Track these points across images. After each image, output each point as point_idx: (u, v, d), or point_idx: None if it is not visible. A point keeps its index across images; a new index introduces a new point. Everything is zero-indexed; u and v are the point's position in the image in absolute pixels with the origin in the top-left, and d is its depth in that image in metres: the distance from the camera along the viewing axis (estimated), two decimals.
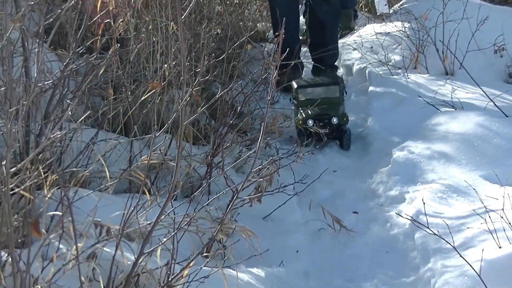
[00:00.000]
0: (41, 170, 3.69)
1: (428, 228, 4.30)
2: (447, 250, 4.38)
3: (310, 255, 4.80)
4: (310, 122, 5.72)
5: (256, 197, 4.72)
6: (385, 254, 4.78)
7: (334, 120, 5.75)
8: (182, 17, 2.98)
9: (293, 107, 6.16)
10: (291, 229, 5.02)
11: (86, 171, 4.29)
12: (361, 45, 7.71)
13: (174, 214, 3.81)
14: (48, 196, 3.84)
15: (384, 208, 5.32)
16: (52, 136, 3.06)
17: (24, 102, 3.30)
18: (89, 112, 4.38)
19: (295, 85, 6.16)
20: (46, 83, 4.29)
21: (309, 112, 5.79)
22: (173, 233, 3.53)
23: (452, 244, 4.14)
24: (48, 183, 3.85)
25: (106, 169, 4.17)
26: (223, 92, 4.84)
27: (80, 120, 4.30)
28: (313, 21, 7.31)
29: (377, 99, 6.69)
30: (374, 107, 6.54)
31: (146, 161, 3.98)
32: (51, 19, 4.30)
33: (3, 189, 3.04)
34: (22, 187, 3.39)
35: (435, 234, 4.29)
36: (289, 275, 4.49)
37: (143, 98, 4.42)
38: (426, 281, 4.35)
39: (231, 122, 5.05)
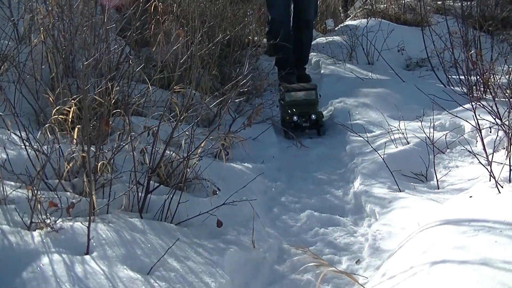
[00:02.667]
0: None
1: (353, 132, 4.52)
2: (365, 153, 4.61)
3: (281, 160, 5.02)
4: (295, 117, 5.49)
5: (248, 124, 4.88)
6: (328, 159, 5.00)
7: (313, 116, 5.53)
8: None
9: (280, 105, 5.88)
10: (269, 145, 5.22)
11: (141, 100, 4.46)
12: (316, 47, 7.85)
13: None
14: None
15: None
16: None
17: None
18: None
19: (282, 89, 5.84)
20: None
21: (295, 110, 5.53)
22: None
23: (371, 146, 4.35)
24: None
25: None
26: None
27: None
28: (297, 41, 6.77)
29: (326, 77, 6.94)
30: (324, 82, 6.76)
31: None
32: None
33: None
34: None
35: (359, 135, 4.51)
36: (267, 168, 4.68)
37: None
38: (352, 169, 4.57)
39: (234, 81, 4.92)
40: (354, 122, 5.28)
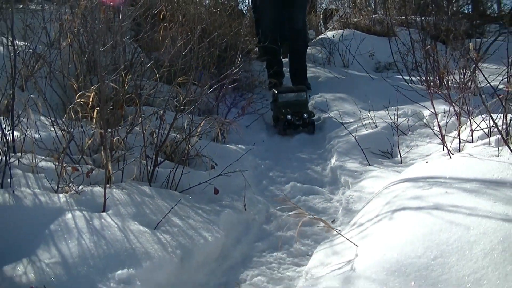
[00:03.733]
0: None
1: (331, 116, 4.53)
2: (340, 136, 4.64)
3: (269, 143, 5.04)
4: (289, 116, 5.18)
5: (242, 113, 4.90)
6: (309, 143, 5.01)
7: (305, 115, 5.23)
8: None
9: (273, 106, 5.56)
10: (260, 132, 5.26)
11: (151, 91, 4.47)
12: None
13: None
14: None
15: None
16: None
17: None
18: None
19: (275, 91, 5.51)
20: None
21: (288, 110, 5.22)
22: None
23: (345, 128, 4.37)
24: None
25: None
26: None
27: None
28: (290, 51, 6.57)
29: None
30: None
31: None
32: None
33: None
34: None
35: (335, 119, 4.53)
36: (257, 150, 4.72)
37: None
38: (329, 150, 4.59)
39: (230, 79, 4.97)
40: (332, 112, 5.28)
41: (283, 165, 4.45)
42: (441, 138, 3.42)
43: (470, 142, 3.35)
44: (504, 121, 3.03)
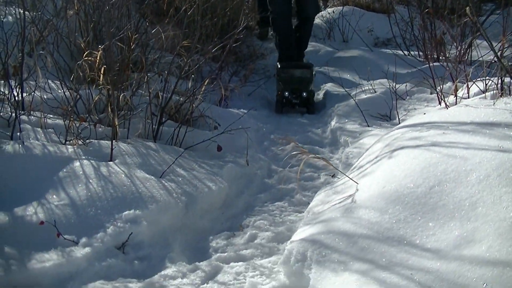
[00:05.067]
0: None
1: (331, 79, 4.53)
2: (340, 101, 4.65)
3: (270, 109, 5.01)
4: (286, 93, 4.85)
5: (244, 81, 4.90)
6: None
7: (304, 94, 4.86)
8: None
9: (276, 81, 5.18)
10: (261, 99, 5.22)
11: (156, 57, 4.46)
12: None
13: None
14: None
15: None
16: None
17: None
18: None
19: (279, 65, 5.15)
20: None
21: (287, 86, 4.90)
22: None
23: (344, 89, 4.37)
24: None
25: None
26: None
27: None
28: (297, 36, 5.76)
29: (308, 50, 6.87)
30: (307, 53, 6.65)
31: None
32: None
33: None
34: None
35: (333, 80, 4.51)
36: (259, 114, 4.71)
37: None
38: (329, 114, 4.59)
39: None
40: (333, 82, 5.28)
41: (284, 128, 4.46)
42: (437, 92, 3.43)
43: (466, 99, 3.36)
44: (500, 76, 3.04)
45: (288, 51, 5.58)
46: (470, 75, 3.63)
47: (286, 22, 5.66)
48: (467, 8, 3.56)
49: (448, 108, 3.02)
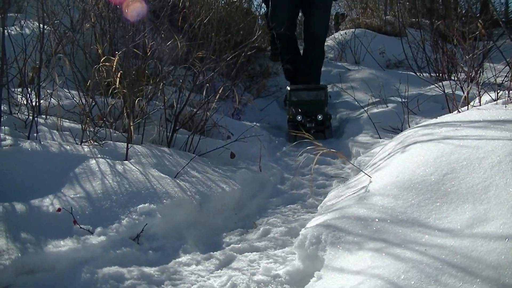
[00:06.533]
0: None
1: (345, 91, 4.57)
2: (351, 116, 4.68)
3: (282, 123, 5.04)
4: (299, 117, 4.49)
5: (256, 94, 4.96)
6: None
7: (319, 117, 4.49)
8: None
9: (286, 107, 4.92)
10: (274, 113, 5.30)
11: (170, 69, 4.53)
12: None
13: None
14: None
15: None
16: None
17: None
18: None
19: (289, 88, 4.86)
20: None
21: (299, 109, 4.55)
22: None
23: (357, 102, 4.40)
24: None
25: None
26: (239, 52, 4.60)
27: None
28: (304, 56, 5.52)
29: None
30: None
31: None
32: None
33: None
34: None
35: (346, 92, 4.56)
36: (271, 128, 4.84)
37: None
38: (341, 128, 4.59)
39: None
40: (343, 100, 5.34)
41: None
42: (446, 96, 3.48)
43: (477, 107, 3.39)
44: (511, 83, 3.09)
45: (296, 70, 5.38)
46: (481, 84, 3.69)
47: (292, 41, 5.44)
48: (479, 22, 3.64)
49: (460, 112, 3.06)
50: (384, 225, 1.89)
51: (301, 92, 4.80)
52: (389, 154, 2.53)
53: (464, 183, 1.94)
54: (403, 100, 4.35)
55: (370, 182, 2.29)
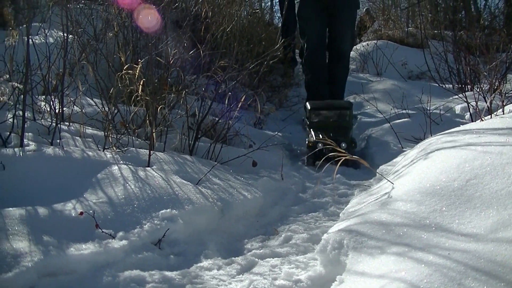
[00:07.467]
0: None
1: (367, 101, 4.55)
2: (374, 127, 4.66)
3: (301, 131, 5.04)
4: (320, 145, 3.93)
5: (278, 104, 4.97)
6: None
7: (343, 145, 3.92)
8: None
9: (306, 127, 4.47)
10: (295, 124, 5.29)
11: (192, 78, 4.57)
12: None
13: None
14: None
15: None
16: None
17: None
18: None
19: (309, 106, 4.36)
20: None
21: (320, 135, 3.99)
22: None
23: (380, 112, 4.39)
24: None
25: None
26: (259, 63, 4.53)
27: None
28: (330, 73, 5.30)
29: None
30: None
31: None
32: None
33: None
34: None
35: (369, 102, 4.54)
36: (292, 138, 4.79)
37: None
38: (363, 138, 4.60)
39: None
40: (365, 111, 5.33)
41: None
42: (468, 103, 3.46)
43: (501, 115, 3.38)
44: None
45: (319, 90, 5.12)
46: (505, 94, 3.67)
47: (320, 57, 5.25)
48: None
49: (483, 120, 3.05)
50: (407, 230, 1.88)
51: (323, 112, 4.31)
52: (411, 161, 2.52)
53: (488, 189, 1.92)
54: (426, 110, 4.33)
55: (393, 188, 2.28)
